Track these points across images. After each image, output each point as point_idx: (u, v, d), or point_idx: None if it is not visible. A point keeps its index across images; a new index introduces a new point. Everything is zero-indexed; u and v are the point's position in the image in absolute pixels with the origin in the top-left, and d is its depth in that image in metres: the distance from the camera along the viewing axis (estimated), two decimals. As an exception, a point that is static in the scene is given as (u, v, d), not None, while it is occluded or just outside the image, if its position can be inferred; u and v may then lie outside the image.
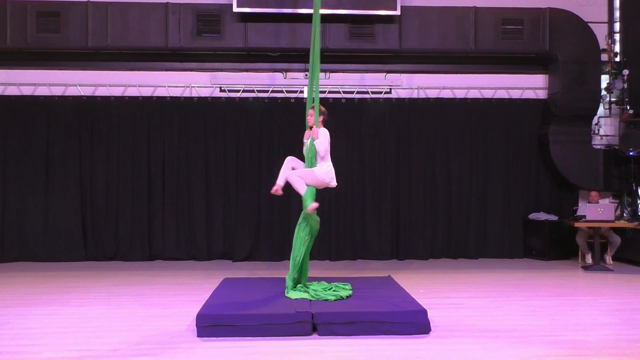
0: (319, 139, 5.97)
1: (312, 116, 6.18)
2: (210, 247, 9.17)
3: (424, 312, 5.04)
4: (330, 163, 6.06)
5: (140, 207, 9.10)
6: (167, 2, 8.77)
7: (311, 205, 5.81)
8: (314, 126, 6.12)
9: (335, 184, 6.13)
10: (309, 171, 5.98)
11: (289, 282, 5.97)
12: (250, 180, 9.20)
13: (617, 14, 9.60)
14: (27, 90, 9.18)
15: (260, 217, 9.17)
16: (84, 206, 9.07)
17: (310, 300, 5.53)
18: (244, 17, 8.69)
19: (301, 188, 5.90)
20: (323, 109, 6.22)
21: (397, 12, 8.68)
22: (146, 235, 9.09)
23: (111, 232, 9.07)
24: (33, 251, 8.92)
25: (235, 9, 8.51)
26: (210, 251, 9.16)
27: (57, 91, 9.19)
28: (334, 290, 5.81)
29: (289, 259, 6.06)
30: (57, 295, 6.52)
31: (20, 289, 6.93)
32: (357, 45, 8.90)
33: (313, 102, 6.27)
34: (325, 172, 5.97)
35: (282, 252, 8.99)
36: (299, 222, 6.05)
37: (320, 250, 9.14)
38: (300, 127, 8.98)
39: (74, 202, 9.03)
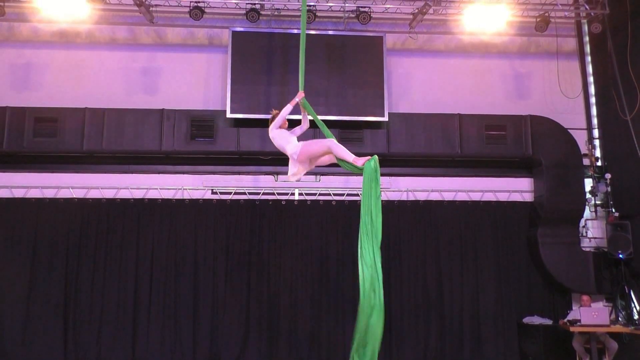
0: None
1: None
2: (196, 352, 8.82)
3: None
4: None
5: (126, 308, 8.86)
6: (163, 109, 9.08)
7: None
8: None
9: None
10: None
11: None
12: (240, 282, 9.05)
13: (594, 120, 10.03)
14: (18, 193, 9.22)
15: (249, 320, 8.93)
16: (67, 308, 8.81)
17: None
18: (237, 122, 8.99)
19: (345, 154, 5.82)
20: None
21: (385, 119, 9.05)
22: (130, 338, 8.77)
23: (94, 335, 8.75)
24: (10, 355, 8.52)
25: (229, 115, 8.84)
26: (197, 356, 8.80)
27: (49, 193, 9.24)
28: None
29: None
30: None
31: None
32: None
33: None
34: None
35: (270, 356, 8.68)
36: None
37: (310, 355, 8.84)
38: (291, 229, 9.16)
39: (56, 304, 8.79)
